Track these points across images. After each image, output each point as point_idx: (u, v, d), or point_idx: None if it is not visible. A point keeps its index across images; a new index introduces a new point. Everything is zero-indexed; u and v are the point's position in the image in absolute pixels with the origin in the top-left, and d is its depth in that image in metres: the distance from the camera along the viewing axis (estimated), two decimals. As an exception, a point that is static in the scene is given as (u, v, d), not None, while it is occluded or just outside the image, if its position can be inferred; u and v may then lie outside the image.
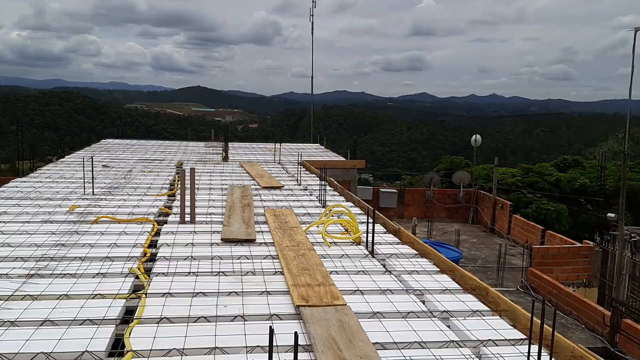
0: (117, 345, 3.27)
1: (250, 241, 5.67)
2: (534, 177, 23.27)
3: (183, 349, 3.20)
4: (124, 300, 3.94)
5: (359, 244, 5.77)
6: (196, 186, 6.96)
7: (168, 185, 9.33)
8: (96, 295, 4.01)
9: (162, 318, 3.61)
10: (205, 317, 3.66)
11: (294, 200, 8.21)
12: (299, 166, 11.98)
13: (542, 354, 3.07)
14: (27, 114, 71.97)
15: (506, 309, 4.02)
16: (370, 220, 5.65)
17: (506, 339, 3.51)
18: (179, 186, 6.96)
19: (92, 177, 8.33)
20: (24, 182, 9.34)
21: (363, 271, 4.82)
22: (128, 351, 3.14)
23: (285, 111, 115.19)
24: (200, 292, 4.13)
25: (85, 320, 3.54)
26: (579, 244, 13.05)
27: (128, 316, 3.69)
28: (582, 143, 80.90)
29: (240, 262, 4.95)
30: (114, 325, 3.50)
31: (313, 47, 23.25)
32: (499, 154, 47.51)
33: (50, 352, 3.08)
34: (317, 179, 10.18)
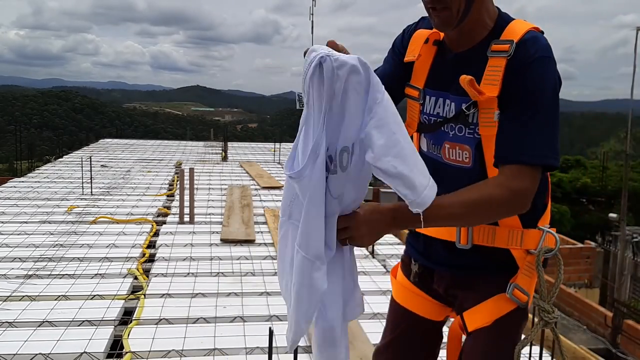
0: (116, 346, 3.25)
1: (249, 242, 5.64)
2: (535, 177, 23.29)
3: (182, 350, 3.18)
4: (123, 301, 3.92)
5: (359, 244, 5.74)
6: (195, 186, 6.93)
7: (167, 185, 9.30)
8: (95, 296, 3.99)
9: (161, 319, 3.59)
10: (204, 318, 3.64)
11: (293, 200, 8.18)
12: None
13: (543, 355, 3.05)
14: (25, 113, 71.93)
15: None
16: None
17: None
18: (178, 186, 6.93)
19: (91, 177, 8.30)
20: (22, 182, 9.31)
21: (363, 272, 4.79)
22: (127, 352, 3.12)
23: (285, 111, 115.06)
24: (200, 293, 4.11)
25: (83, 321, 3.52)
26: (581, 245, 13.03)
27: (127, 317, 3.67)
28: (584, 143, 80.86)
29: (240, 263, 4.92)
30: (113, 326, 3.48)
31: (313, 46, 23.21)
32: (499, 154, 47.41)
33: (48, 353, 3.06)
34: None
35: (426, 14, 1.53)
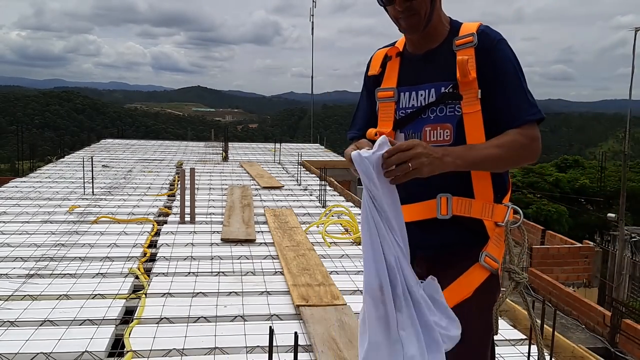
0: (117, 345, 3.27)
1: (250, 241, 5.66)
2: (534, 177, 23.29)
3: (183, 349, 3.20)
4: (124, 300, 3.94)
5: (359, 244, 5.77)
6: (196, 186, 6.95)
7: (168, 185, 9.33)
8: (96, 295, 4.01)
9: (162, 318, 3.61)
10: (205, 317, 3.66)
11: (294, 200, 8.21)
12: (299, 166, 11.98)
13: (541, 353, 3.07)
14: (27, 114, 71.96)
15: (506, 309, 4.02)
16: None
17: (506, 339, 3.51)
18: (179, 186, 6.96)
19: (92, 177, 8.33)
20: (24, 182, 9.33)
21: (363, 271, 4.81)
22: (128, 351, 3.13)
23: (285, 111, 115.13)
24: (200, 292, 4.13)
25: (85, 320, 3.54)
26: (579, 244, 13.04)
27: (128, 316, 3.68)
28: (583, 143, 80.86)
29: (240, 262, 4.94)
30: (114, 326, 3.49)
31: (313, 46, 23.24)
32: (499, 154, 47.35)
33: (50, 353, 3.08)
34: (317, 179, 10.18)
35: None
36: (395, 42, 1.95)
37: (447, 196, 1.76)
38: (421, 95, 1.79)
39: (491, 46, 1.71)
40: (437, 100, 1.75)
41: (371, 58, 1.97)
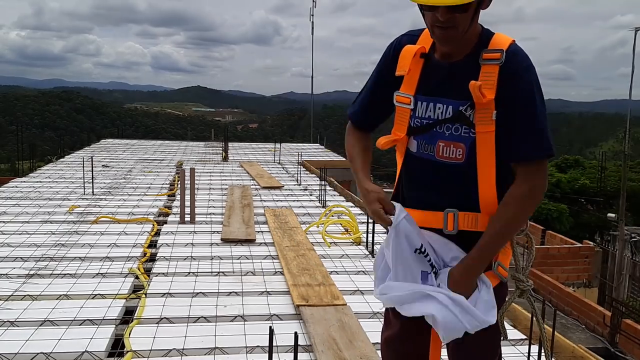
0: (117, 345, 3.27)
1: (250, 241, 5.66)
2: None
3: (183, 349, 3.20)
4: (124, 300, 3.94)
5: (359, 244, 5.77)
6: (196, 186, 6.95)
7: (168, 185, 9.33)
8: (96, 295, 4.01)
9: (162, 318, 3.61)
10: (205, 318, 3.66)
11: (294, 200, 8.21)
12: (299, 166, 11.97)
13: (542, 354, 3.07)
14: (27, 113, 71.93)
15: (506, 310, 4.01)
16: (371, 220, 5.64)
17: (506, 339, 3.52)
18: (179, 186, 6.96)
19: (92, 177, 8.33)
20: (24, 182, 9.34)
21: (363, 271, 4.82)
22: (128, 351, 3.14)
23: (285, 111, 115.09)
24: (200, 292, 4.13)
25: (85, 320, 3.54)
26: (579, 244, 13.04)
27: (128, 316, 3.69)
28: (583, 143, 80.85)
29: (240, 262, 4.94)
30: (114, 326, 3.50)
31: (313, 46, 23.25)
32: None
33: (50, 353, 3.08)
34: (317, 179, 10.17)
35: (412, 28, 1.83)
36: (421, 32, 1.85)
37: (454, 212, 1.75)
38: (439, 108, 1.76)
39: (517, 71, 1.67)
40: (452, 118, 1.73)
41: (399, 51, 1.83)
